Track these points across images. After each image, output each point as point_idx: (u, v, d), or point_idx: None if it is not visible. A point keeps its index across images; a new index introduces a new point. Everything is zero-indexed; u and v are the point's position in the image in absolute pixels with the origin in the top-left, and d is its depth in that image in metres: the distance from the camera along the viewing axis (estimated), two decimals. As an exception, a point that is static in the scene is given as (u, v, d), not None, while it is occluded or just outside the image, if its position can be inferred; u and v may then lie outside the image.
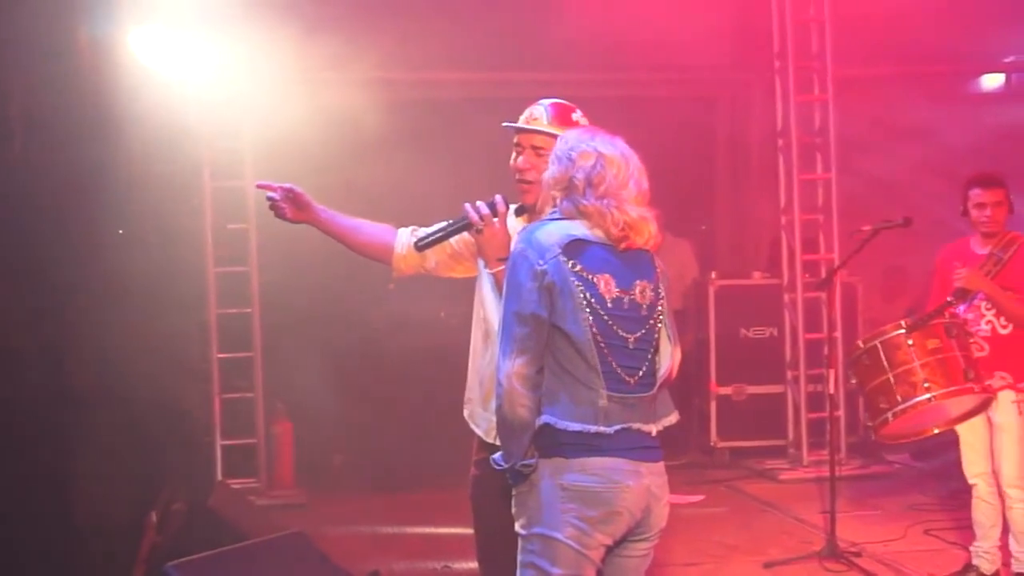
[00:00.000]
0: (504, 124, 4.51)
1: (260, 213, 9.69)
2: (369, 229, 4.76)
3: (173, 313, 8.52)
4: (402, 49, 10.01)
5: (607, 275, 3.86)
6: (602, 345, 3.82)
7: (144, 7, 8.50)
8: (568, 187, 3.92)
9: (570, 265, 3.82)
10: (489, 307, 4.42)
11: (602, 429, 3.81)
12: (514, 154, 4.46)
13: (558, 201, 3.95)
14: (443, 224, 4.34)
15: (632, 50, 10.29)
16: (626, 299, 3.89)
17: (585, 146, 3.93)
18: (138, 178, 8.08)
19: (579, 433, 3.80)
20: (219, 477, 9.26)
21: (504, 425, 3.86)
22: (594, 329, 3.81)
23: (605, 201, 3.87)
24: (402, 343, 10.33)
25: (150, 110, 8.12)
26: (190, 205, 9.47)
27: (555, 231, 3.88)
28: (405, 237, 4.71)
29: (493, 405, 4.05)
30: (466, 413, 4.62)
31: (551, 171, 3.97)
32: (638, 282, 3.92)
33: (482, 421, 4.50)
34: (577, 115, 4.44)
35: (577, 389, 3.82)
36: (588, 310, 3.81)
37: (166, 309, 8.26)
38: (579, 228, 3.89)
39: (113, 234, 7.87)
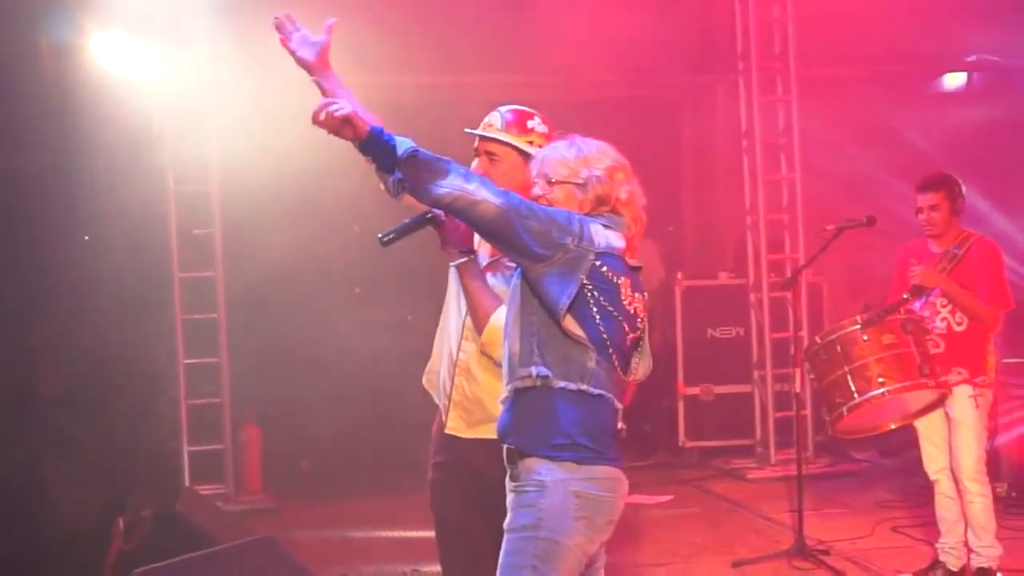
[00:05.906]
0: (465, 131, 4.48)
1: (225, 218, 9.70)
2: None
3: (139, 318, 8.49)
4: (365, 52, 9.97)
5: (626, 279, 3.89)
6: (606, 341, 3.82)
7: (106, 13, 8.47)
8: (613, 203, 3.95)
9: (604, 270, 3.83)
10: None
11: (586, 388, 3.79)
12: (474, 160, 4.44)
13: (601, 214, 3.94)
14: (406, 220, 4.21)
15: (595, 52, 10.27)
16: (633, 306, 3.91)
17: (609, 160, 3.96)
18: (103, 184, 8.05)
19: (588, 434, 3.78)
20: (186, 483, 9.21)
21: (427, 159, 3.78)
22: (601, 328, 3.81)
23: (638, 205, 3.99)
24: (369, 346, 10.31)
25: (113, 115, 8.10)
26: (155, 210, 9.42)
27: (602, 232, 3.88)
28: None
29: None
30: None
31: (589, 192, 3.93)
32: (637, 294, 3.95)
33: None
34: (534, 122, 4.35)
35: (568, 347, 3.80)
36: (601, 315, 3.81)
37: (132, 314, 8.23)
38: (617, 238, 3.92)
39: (79, 240, 7.85)
